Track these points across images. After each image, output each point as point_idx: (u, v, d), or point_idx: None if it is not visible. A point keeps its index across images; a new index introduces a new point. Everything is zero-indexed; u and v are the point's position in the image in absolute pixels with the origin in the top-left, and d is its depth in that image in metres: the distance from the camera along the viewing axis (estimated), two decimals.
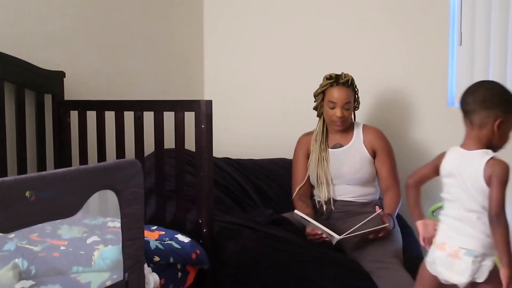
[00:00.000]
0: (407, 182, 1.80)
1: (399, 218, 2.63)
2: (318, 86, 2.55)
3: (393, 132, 2.92)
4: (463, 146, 1.68)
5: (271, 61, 3.39)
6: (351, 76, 2.49)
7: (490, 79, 2.85)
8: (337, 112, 2.44)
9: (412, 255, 2.45)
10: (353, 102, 2.51)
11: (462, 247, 1.60)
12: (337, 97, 2.44)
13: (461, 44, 2.92)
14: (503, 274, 1.56)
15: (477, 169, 1.61)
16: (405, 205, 2.70)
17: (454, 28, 2.94)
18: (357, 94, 2.54)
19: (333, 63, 3.14)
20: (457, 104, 2.94)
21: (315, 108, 2.57)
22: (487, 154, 1.64)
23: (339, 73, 2.50)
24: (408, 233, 2.60)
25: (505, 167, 1.62)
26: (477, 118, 1.64)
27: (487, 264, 1.59)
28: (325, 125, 2.55)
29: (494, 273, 1.59)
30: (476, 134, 1.66)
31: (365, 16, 3.11)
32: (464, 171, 1.64)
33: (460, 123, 2.88)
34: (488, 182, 1.59)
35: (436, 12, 2.93)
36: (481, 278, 1.59)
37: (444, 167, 1.69)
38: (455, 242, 1.62)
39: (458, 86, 2.96)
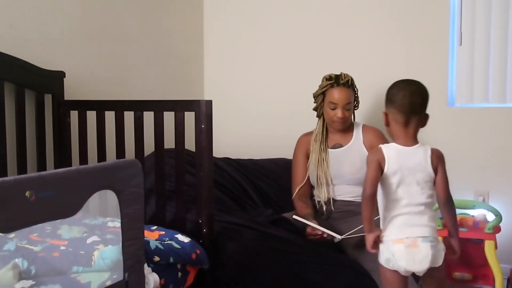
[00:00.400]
0: (369, 193, 1.75)
1: None
2: (317, 87, 2.55)
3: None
4: (401, 143, 1.77)
5: (271, 61, 3.39)
6: (351, 76, 2.49)
7: (490, 79, 2.86)
8: (338, 113, 2.44)
9: None
10: (353, 102, 2.51)
11: (418, 236, 1.68)
12: (337, 98, 2.44)
13: (461, 44, 2.92)
14: (455, 243, 1.80)
15: (425, 160, 1.74)
16: None
17: (454, 28, 2.94)
18: (357, 94, 2.54)
19: (333, 63, 3.15)
20: (457, 104, 2.96)
21: (315, 109, 2.57)
22: (426, 146, 1.78)
23: (339, 73, 2.50)
24: None
25: (442, 153, 1.81)
26: (419, 118, 1.78)
27: (441, 248, 1.72)
28: (325, 125, 2.55)
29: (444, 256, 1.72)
30: (412, 132, 1.78)
31: (365, 16, 3.11)
32: (411, 166, 1.73)
33: (460, 123, 2.91)
34: (435, 170, 1.75)
35: (436, 12, 2.94)
36: (439, 262, 1.70)
37: (390, 166, 1.73)
38: (410, 234, 1.69)
39: (458, 86, 2.96)
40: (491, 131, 2.87)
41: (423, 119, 1.79)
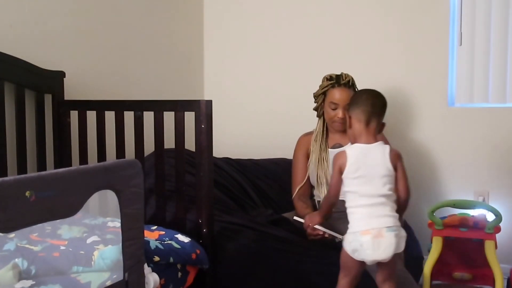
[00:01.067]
0: (333, 196, 1.97)
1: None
2: (318, 87, 2.55)
3: (393, 132, 2.91)
4: (363, 141, 1.92)
5: (271, 61, 3.39)
6: (351, 77, 2.49)
7: (490, 79, 2.86)
8: (339, 113, 2.43)
9: (412, 255, 2.45)
10: None
11: (383, 227, 1.79)
12: (338, 98, 2.43)
13: (461, 44, 2.92)
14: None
15: (384, 156, 1.88)
16: None
17: (454, 28, 2.94)
18: None
19: (333, 63, 3.15)
20: (457, 104, 2.97)
21: (315, 109, 2.57)
22: (385, 145, 1.93)
23: (339, 73, 2.50)
24: (408, 233, 2.57)
25: (400, 153, 1.96)
26: (378, 121, 1.95)
27: (404, 235, 1.84)
28: (325, 125, 2.55)
29: None
30: (373, 131, 1.93)
31: (365, 17, 3.11)
32: (371, 161, 1.87)
33: (460, 123, 2.91)
34: (395, 167, 1.88)
35: (436, 12, 2.94)
36: (401, 248, 1.83)
37: (352, 164, 1.88)
38: (375, 225, 1.80)
39: (458, 86, 2.96)
40: (491, 131, 2.87)
41: (380, 125, 1.96)
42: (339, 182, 1.92)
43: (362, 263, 1.85)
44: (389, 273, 1.86)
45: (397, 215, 1.85)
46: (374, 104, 1.95)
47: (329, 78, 2.49)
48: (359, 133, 1.93)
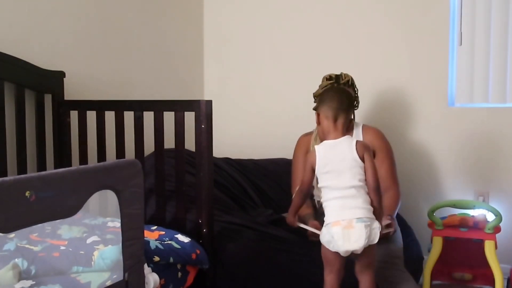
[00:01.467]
0: (306, 191, 2.03)
1: (399, 218, 2.63)
2: (317, 86, 2.55)
3: (393, 132, 2.92)
4: (331, 138, 1.97)
5: (271, 61, 3.39)
6: (351, 76, 2.48)
7: (490, 79, 2.86)
8: None
9: (412, 255, 2.45)
10: (354, 102, 2.51)
11: (353, 218, 1.83)
12: None
13: (461, 44, 2.92)
14: (387, 220, 2.13)
15: (350, 149, 1.92)
16: (405, 205, 2.71)
17: (454, 28, 2.94)
18: (357, 94, 2.54)
19: (333, 63, 3.14)
20: (457, 104, 2.97)
21: (315, 109, 2.56)
22: (352, 138, 1.99)
23: (339, 73, 2.50)
24: (408, 233, 2.59)
25: (367, 144, 2.02)
26: (346, 116, 1.99)
27: (376, 227, 1.85)
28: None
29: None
30: (341, 127, 1.98)
31: (365, 17, 3.11)
32: (338, 154, 1.92)
33: (460, 123, 2.91)
34: (362, 158, 1.91)
35: (436, 12, 2.94)
36: (375, 239, 1.84)
37: (320, 160, 1.93)
38: (346, 216, 1.84)
39: (458, 86, 2.96)
40: (491, 131, 2.87)
41: (348, 121, 2.01)
42: (310, 178, 1.98)
43: (340, 256, 1.88)
44: (366, 263, 1.89)
45: (370, 207, 1.87)
46: (341, 101, 1.99)
47: (329, 78, 2.49)
48: (327, 129, 1.98)
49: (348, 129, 2.50)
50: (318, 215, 2.52)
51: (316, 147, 1.97)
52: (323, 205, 1.94)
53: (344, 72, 2.50)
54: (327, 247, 1.88)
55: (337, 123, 1.97)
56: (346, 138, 1.96)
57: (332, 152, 1.93)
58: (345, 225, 1.82)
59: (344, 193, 1.87)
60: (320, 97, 2.09)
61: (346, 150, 1.92)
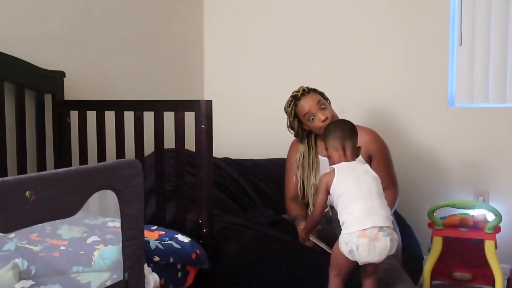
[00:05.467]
0: (317, 216, 2.04)
1: (399, 218, 2.63)
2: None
3: (393, 132, 2.92)
4: (346, 160, 2.00)
5: (271, 61, 3.39)
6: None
7: (490, 79, 2.86)
8: (320, 117, 2.33)
9: (412, 255, 2.45)
10: (325, 99, 2.42)
11: (378, 227, 1.82)
12: (309, 106, 2.35)
13: (461, 44, 2.92)
14: None
15: (367, 168, 2.00)
16: (405, 205, 2.72)
17: (454, 28, 2.94)
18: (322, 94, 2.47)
19: (333, 63, 3.15)
20: (457, 104, 2.97)
21: (296, 135, 2.47)
22: (360, 159, 2.11)
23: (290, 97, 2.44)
24: (408, 233, 2.59)
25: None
26: (353, 144, 2.03)
27: (396, 238, 1.87)
28: (312, 139, 2.48)
29: None
30: (350, 155, 2.01)
31: (365, 17, 3.11)
32: (356, 172, 1.96)
33: (460, 123, 2.91)
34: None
35: (436, 12, 2.94)
36: (392, 251, 1.86)
37: (338, 173, 1.94)
38: (370, 223, 1.82)
39: (458, 86, 2.96)
40: (491, 131, 2.87)
41: (356, 148, 2.04)
42: (324, 201, 1.99)
43: (353, 263, 1.88)
44: (373, 269, 1.90)
45: (391, 217, 1.89)
46: (343, 129, 2.03)
47: (290, 99, 2.42)
48: (338, 160, 2.00)
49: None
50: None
51: (334, 166, 1.98)
52: (343, 213, 1.90)
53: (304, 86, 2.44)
54: (346, 255, 1.86)
55: (346, 151, 2.00)
56: (358, 161, 2.02)
57: (349, 169, 1.96)
58: (372, 237, 1.80)
59: (367, 201, 1.87)
60: (323, 133, 2.10)
61: (362, 168, 1.98)
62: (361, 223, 1.82)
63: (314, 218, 2.05)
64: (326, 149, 2.05)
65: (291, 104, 2.41)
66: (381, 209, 1.86)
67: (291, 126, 2.45)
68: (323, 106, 2.35)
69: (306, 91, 2.39)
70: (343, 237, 1.86)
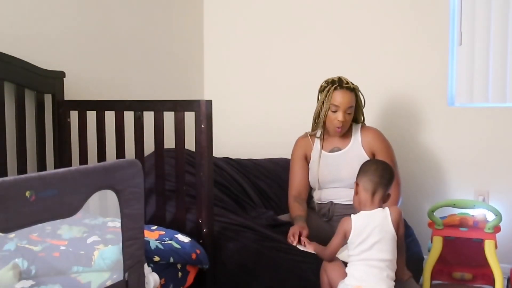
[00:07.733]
0: (328, 259, 2.06)
1: None
2: (318, 86, 2.53)
3: (393, 132, 2.92)
4: (367, 209, 1.99)
5: (271, 61, 3.39)
6: (351, 82, 2.46)
7: (490, 79, 2.86)
8: (339, 116, 2.40)
9: (412, 255, 2.45)
10: (355, 108, 2.48)
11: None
12: (340, 101, 2.39)
13: (461, 44, 2.92)
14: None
15: (387, 222, 1.96)
16: (405, 205, 2.71)
17: (454, 28, 2.94)
18: (363, 97, 2.50)
19: (333, 63, 3.15)
20: (457, 104, 2.97)
21: (316, 117, 2.50)
22: (384, 208, 2.00)
23: (336, 78, 2.46)
24: (408, 233, 2.59)
25: (401, 211, 2.04)
26: (384, 192, 2.00)
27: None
28: (325, 130, 2.52)
29: None
30: (378, 202, 2.00)
31: (365, 17, 3.11)
32: (373, 226, 1.94)
33: (460, 123, 2.91)
34: (397, 228, 1.97)
35: (436, 12, 2.94)
36: None
37: (356, 229, 1.95)
38: (368, 285, 1.87)
39: (458, 86, 2.96)
40: (491, 131, 2.87)
41: (386, 196, 2.02)
42: (340, 245, 2.01)
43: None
44: None
45: (393, 283, 1.92)
46: (382, 176, 2.00)
47: (331, 81, 2.46)
48: (364, 202, 1.99)
49: (347, 131, 2.50)
50: (319, 216, 2.52)
51: (352, 216, 1.98)
52: (349, 263, 1.96)
53: (343, 76, 2.47)
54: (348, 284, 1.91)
55: (375, 196, 1.98)
56: (381, 210, 1.99)
57: (369, 223, 1.95)
58: None
59: (373, 263, 1.90)
60: (362, 167, 2.07)
61: (382, 222, 1.95)
62: (360, 281, 1.88)
63: (324, 256, 2.07)
64: (357, 184, 2.03)
65: (332, 86, 2.42)
66: (382, 274, 1.88)
67: (319, 100, 2.48)
68: (349, 112, 2.43)
69: (350, 89, 2.43)
70: (340, 285, 1.94)
